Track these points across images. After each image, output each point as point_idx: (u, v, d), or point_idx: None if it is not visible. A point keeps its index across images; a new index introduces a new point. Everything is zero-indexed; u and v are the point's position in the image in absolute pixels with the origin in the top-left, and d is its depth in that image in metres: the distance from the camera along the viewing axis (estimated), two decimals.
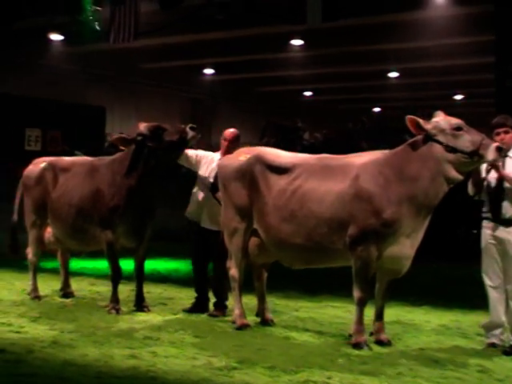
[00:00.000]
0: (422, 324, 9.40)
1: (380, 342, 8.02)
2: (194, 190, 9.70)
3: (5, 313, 9.33)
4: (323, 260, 8.31)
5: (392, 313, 9.68)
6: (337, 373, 6.80)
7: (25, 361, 7.00)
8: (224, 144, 9.60)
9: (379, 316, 8.17)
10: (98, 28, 19.90)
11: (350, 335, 8.03)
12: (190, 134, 9.25)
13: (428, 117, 8.06)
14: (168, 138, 9.24)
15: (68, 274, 10.77)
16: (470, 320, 9.64)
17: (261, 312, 9.01)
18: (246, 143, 27.36)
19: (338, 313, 10.03)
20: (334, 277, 11.36)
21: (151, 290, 11.15)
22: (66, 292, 10.65)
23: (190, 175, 10.23)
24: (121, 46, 23.23)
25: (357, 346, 7.78)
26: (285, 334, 8.48)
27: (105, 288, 11.50)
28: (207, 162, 9.61)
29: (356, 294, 7.86)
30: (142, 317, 9.36)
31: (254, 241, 8.63)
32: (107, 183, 9.47)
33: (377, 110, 37.47)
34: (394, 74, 30.57)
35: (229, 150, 9.49)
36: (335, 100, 36.32)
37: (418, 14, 21.51)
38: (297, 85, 32.76)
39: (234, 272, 8.69)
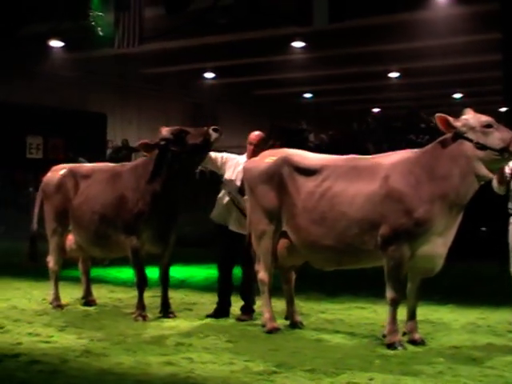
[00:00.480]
0: (451, 322, 9.33)
1: (414, 342, 7.96)
2: (221, 193, 9.61)
3: (30, 322, 9.24)
4: (354, 261, 8.26)
5: (419, 312, 9.58)
6: (377, 374, 6.74)
7: (60, 371, 6.92)
8: (250, 148, 9.52)
9: (412, 315, 8.11)
10: (101, 33, 19.87)
11: (384, 335, 7.96)
12: (214, 135, 9.18)
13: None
14: (191, 141, 9.16)
15: (90, 281, 10.67)
16: (498, 317, 9.60)
17: (290, 315, 8.95)
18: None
19: (365, 314, 9.97)
20: (352, 278, 11.32)
21: (172, 296, 10.97)
22: (88, 300, 10.56)
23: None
24: (121, 51, 23.26)
25: (391, 346, 7.72)
26: (316, 337, 8.41)
27: (125, 295, 11.48)
28: (233, 164, 9.55)
29: (389, 294, 7.80)
30: (169, 323, 9.28)
31: (283, 243, 8.57)
32: (131, 189, 9.39)
33: (376, 110, 37.39)
34: (395, 75, 30.55)
35: (255, 154, 9.42)
36: (336, 101, 36.29)
37: (420, 13, 21.51)
38: (297, 87, 32.81)
39: (262, 275, 8.62)
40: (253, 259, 8.94)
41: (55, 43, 24.78)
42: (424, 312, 9.75)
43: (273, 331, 8.52)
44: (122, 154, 24.73)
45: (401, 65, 29.17)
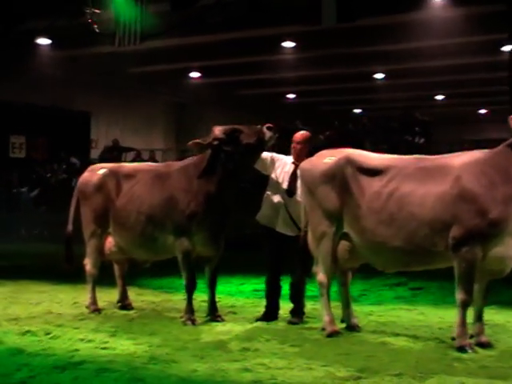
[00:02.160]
0: (505, 324, 9.21)
1: (481, 345, 7.83)
2: (267, 193, 9.40)
3: (76, 328, 8.96)
4: (422, 262, 8.12)
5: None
6: (466, 378, 6.64)
7: (139, 379, 6.69)
8: (297, 147, 9.32)
9: (479, 317, 8.01)
10: (98, 31, 19.55)
11: (453, 338, 7.84)
12: (268, 134, 8.98)
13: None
14: (245, 140, 8.95)
15: (125, 285, 10.38)
16: None
17: (347, 318, 8.79)
18: None
19: (413, 316, 9.85)
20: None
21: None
22: (124, 304, 10.30)
23: None
24: (107, 50, 22.95)
25: (461, 349, 7.60)
26: (380, 340, 8.25)
27: (156, 298, 11.29)
28: (281, 165, 9.36)
29: (460, 296, 7.68)
30: (221, 327, 9.04)
31: (343, 245, 8.40)
32: (182, 189, 9.14)
33: (358, 111, 37.46)
34: (380, 76, 30.57)
35: (301, 153, 9.25)
36: (320, 102, 36.22)
37: (408, 16, 21.47)
38: (283, 87, 32.67)
39: (322, 277, 8.45)
40: (304, 261, 8.76)
41: (42, 41, 24.31)
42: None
43: (333, 334, 8.36)
44: (114, 154, 24.31)
45: (386, 66, 29.14)
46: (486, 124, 37.70)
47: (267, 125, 9.02)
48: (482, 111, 38.79)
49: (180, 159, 22.61)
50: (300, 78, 30.08)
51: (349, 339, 8.28)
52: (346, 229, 8.29)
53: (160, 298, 11.36)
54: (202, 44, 24.97)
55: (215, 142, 9.00)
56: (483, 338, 7.92)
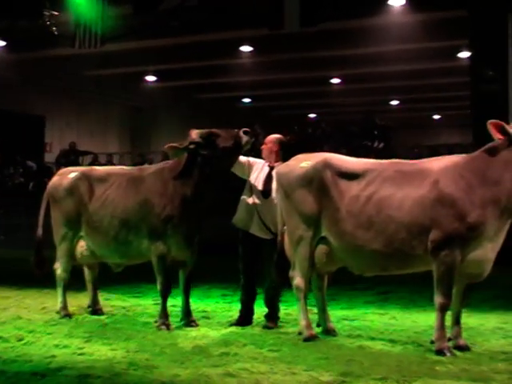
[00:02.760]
0: (478, 327, 9.26)
1: (459, 347, 7.87)
2: (242, 197, 9.37)
3: (49, 333, 8.82)
4: (400, 266, 8.13)
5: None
6: (450, 381, 6.65)
7: None
8: (264, 148, 9.38)
9: (457, 321, 8.04)
10: (56, 33, 19.34)
11: (432, 341, 7.87)
12: (245, 138, 8.95)
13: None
14: (222, 144, 8.92)
15: (97, 289, 10.25)
16: None
17: (323, 322, 8.76)
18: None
19: (385, 320, 9.87)
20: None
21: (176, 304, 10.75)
22: (95, 309, 10.17)
23: None
24: (62, 53, 22.74)
25: (440, 352, 7.62)
26: (357, 344, 8.24)
27: (126, 303, 11.19)
28: (258, 168, 9.33)
29: (438, 299, 7.72)
30: (195, 332, 8.98)
31: (321, 249, 8.38)
32: (157, 193, 9.08)
33: (313, 115, 37.60)
34: (336, 80, 30.71)
35: (269, 154, 9.39)
36: (274, 106, 36.26)
37: (366, 21, 21.59)
38: (238, 91, 32.70)
39: (299, 282, 8.42)
40: (281, 265, 8.74)
41: None
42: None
43: (311, 339, 8.32)
44: (71, 158, 24.04)
45: (343, 71, 29.33)
46: (441, 129, 38.17)
47: (244, 129, 8.99)
48: (437, 116, 39.18)
49: (139, 163, 22.67)
50: (256, 82, 30.14)
51: (326, 343, 8.25)
52: (324, 233, 8.28)
53: (129, 302, 11.26)
54: (159, 47, 24.87)
55: (192, 146, 8.95)
56: (461, 341, 7.97)
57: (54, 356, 7.66)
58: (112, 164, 23.40)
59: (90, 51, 22.45)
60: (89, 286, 10.24)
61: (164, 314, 9.13)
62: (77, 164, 23.43)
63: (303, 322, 8.47)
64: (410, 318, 9.92)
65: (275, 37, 23.85)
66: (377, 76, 29.32)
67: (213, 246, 13.59)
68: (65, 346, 8.11)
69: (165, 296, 9.14)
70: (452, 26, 22.10)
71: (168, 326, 9.03)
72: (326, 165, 8.30)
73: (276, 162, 9.28)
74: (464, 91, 30.49)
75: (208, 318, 9.92)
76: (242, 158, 9.39)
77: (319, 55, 26.52)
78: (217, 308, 10.70)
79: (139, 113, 32.48)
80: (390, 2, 20.13)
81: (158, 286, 9.15)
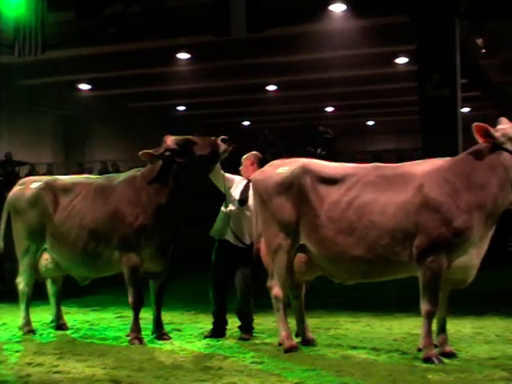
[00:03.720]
0: (457, 333, 9.16)
1: (445, 355, 7.74)
2: (221, 209, 9.13)
3: (17, 351, 8.48)
4: (383, 272, 7.96)
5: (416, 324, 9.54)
6: None
7: None
8: (248, 164, 9.17)
9: (442, 328, 7.93)
10: None
11: (419, 349, 7.73)
12: (223, 146, 8.69)
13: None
14: (199, 151, 8.65)
15: (60, 304, 9.87)
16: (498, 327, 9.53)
17: (301, 332, 8.56)
18: (121, 160, 26.62)
19: (360, 328, 9.76)
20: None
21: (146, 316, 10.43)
22: (59, 324, 9.80)
23: None
24: None
25: (428, 360, 7.48)
26: (340, 354, 8.06)
27: (88, 317, 10.88)
28: (236, 182, 9.11)
29: (425, 306, 7.57)
30: (170, 345, 8.69)
31: (300, 257, 8.18)
32: (128, 202, 8.75)
33: (247, 123, 37.46)
34: (272, 88, 30.62)
35: (246, 170, 9.23)
36: (208, 115, 36.00)
37: (303, 27, 21.47)
38: (173, 99, 32.36)
39: (277, 291, 8.19)
40: (256, 274, 8.55)
41: None
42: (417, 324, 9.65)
43: (292, 350, 8.10)
44: (7, 169, 23.33)
45: (280, 78, 29.19)
46: (375, 136, 38.38)
47: (222, 137, 8.73)
48: (371, 123, 39.42)
49: (77, 173, 22.17)
50: (192, 90, 29.76)
51: (309, 354, 8.05)
52: (303, 240, 8.07)
53: (91, 316, 10.92)
54: (94, 55, 24.37)
55: (167, 153, 8.66)
56: (447, 348, 7.86)
57: (28, 375, 7.29)
58: (51, 174, 22.78)
59: (22, 60, 21.94)
60: (52, 300, 9.86)
61: (136, 328, 8.81)
62: (14, 175, 22.79)
63: (283, 333, 8.24)
64: (383, 326, 9.81)
65: (213, 44, 23.67)
66: (313, 83, 29.27)
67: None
68: (38, 365, 7.73)
69: (137, 309, 8.81)
70: (390, 32, 22.21)
71: (141, 340, 8.72)
72: (305, 170, 8.10)
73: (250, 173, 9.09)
74: (400, 97, 31.02)
75: (179, 330, 9.63)
76: (225, 174, 9.13)
77: (256, 62, 26.29)
78: (184, 320, 10.41)
79: (73, 122, 31.82)
80: (331, 8, 20.00)
81: (130, 299, 8.82)
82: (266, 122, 35.07)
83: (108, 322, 10.41)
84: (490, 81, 27.15)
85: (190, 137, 8.86)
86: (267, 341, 8.84)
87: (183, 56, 25.49)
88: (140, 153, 8.75)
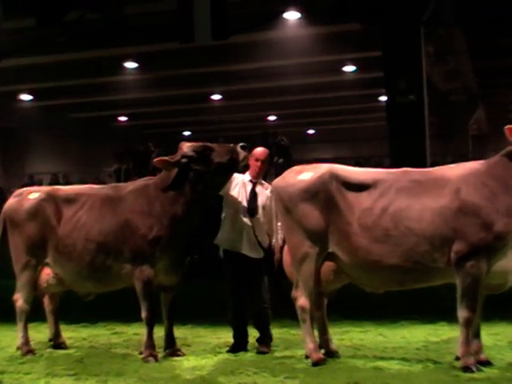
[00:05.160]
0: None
1: (481, 363, 7.51)
2: (225, 214, 8.74)
3: (25, 373, 7.94)
4: (419, 280, 7.71)
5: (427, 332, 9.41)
6: None
7: None
8: (256, 164, 8.71)
9: (476, 334, 7.68)
10: None
11: (458, 358, 7.48)
12: (242, 154, 8.33)
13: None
14: (217, 159, 8.25)
15: (58, 322, 9.34)
16: None
17: (324, 343, 8.23)
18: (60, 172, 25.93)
19: (373, 337, 9.54)
20: None
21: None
22: (58, 342, 9.28)
23: None
24: None
25: (467, 368, 7.27)
26: (370, 365, 7.75)
27: (81, 334, 10.38)
28: (238, 183, 8.71)
29: (463, 313, 7.34)
30: (187, 362, 8.27)
31: (328, 266, 7.86)
32: (141, 212, 8.32)
33: (187, 133, 37.06)
34: (216, 97, 30.34)
35: (261, 171, 8.72)
36: (148, 125, 35.50)
37: (250, 36, 21.24)
38: (114, 110, 31.81)
39: (303, 302, 7.86)
40: (277, 284, 8.24)
41: None
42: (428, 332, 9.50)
43: (320, 363, 7.78)
44: None
45: (225, 87, 28.95)
46: (315, 144, 38.31)
47: (241, 144, 8.36)
48: (311, 131, 39.39)
49: (27, 184, 21.44)
50: (136, 100, 29.27)
51: (339, 367, 7.73)
52: (333, 248, 7.76)
53: (85, 333, 10.39)
54: (36, 65, 23.74)
55: (184, 160, 8.25)
56: (482, 356, 7.63)
57: None
58: None
59: None
60: (50, 317, 9.32)
61: (150, 344, 8.35)
62: None
63: (310, 346, 7.91)
64: (395, 335, 9.57)
65: (160, 53, 23.37)
66: (258, 91, 29.09)
67: None
68: None
69: (151, 324, 8.35)
70: (340, 40, 22.19)
71: (156, 358, 8.28)
72: (332, 176, 7.80)
73: (259, 177, 8.74)
74: (345, 105, 31.07)
75: (189, 345, 9.18)
76: None
77: (202, 71, 26.03)
78: (188, 334, 9.96)
79: (12, 133, 30.89)
80: (285, 16, 19.84)
81: (143, 314, 8.35)
82: (208, 132, 34.68)
83: (106, 338, 9.94)
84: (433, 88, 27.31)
85: (208, 143, 8.46)
86: (287, 353, 8.49)
87: (130, 65, 25.02)
88: (155, 160, 8.37)
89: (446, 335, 9.35)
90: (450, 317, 9.69)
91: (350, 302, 11.12)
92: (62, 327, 9.95)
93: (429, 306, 10.86)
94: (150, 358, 8.24)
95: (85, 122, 32.95)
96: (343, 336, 9.47)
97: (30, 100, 29.02)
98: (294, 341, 9.16)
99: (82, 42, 20.87)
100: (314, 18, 19.98)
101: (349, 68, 26.43)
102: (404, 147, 16.36)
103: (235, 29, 17.46)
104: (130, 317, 10.84)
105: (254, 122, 34.03)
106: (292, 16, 19.99)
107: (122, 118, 34.35)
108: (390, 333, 9.67)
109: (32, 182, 23.12)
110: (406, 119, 16.56)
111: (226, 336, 9.54)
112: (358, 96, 30.28)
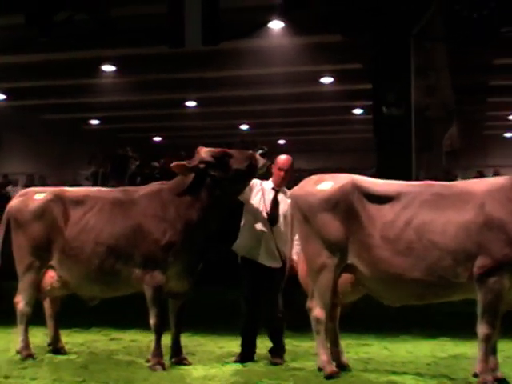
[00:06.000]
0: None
1: (498, 381, 7.41)
2: (244, 221, 8.59)
3: (31, 379, 7.72)
4: (440, 295, 7.62)
5: (431, 347, 9.33)
6: None
7: None
8: (279, 174, 8.57)
9: (493, 351, 7.55)
10: None
11: (476, 374, 7.39)
12: (261, 161, 8.20)
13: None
14: (236, 165, 8.11)
15: (58, 326, 9.10)
16: None
17: (336, 356, 8.09)
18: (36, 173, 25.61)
19: (377, 350, 9.41)
20: None
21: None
22: (56, 347, 9.04)
23: None
24: None
25: None
26: (385, 379, 7.66)
27: (77, 339, 10.12)
28: (259, 190, 8.56)
29: (483, 329, 7.25)
30: (195, 371, 8.09)
31: (346, 278, 7.74)
32: (154, 217, 8.14)
33: (158, 139, 36.79)
34: (191, 104, 30.17)
35: (284, 180, 8.58)
36: (122, 129, 35.17)
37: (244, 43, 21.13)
38: (87, 112, 31.46)
39: (318, 313, 7.73)
40: (289, 294, 8.11)
41: None
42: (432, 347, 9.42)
43: (333, 375, 7.64)
44: None
45: (199, 94, 28.77)
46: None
47: (260, 151, 8.23)
48: (282, 141, 39.26)
49: (2, 184, 21.07)
50: (111, 103, 28.91)
51: (352, 380, 7.62)
52: (352, 260, 7.64)
53: (80, 338, 10.14)
54: (13, 64, 23.33)
55: (202, 165, 8.09)
56: (499, 373, 7.51)
57: None
58: None
59: None
60: (49, 321, 9.06)
61: (158, 352, 8.16)
62: None
63: (324, 358, 7.77)
64: (399, 348, 9.47)
65: (139, 57, 23.13)
66: (232, 100, 28.96)
67: None
68: None
69: (159, 331, 8.16)
70: (319, 51, 22.11)
71: (163, 366, 8.09)
72: (355, 187, 7.69)
73: (282, 186, 8.60)
74: (319, 116, 31.03)
75: (193, 354, 8.97)
76: None
77: (179, 77, 25.85)
78: (185, 342, 9.67)
79: None
80: (270, 25, 19.73)
81: (152, 320, 8.15)
82: (181, 138, 34.53)
83: (104, 344, 9.71)
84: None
85: (226, 149, 8.33)
86: (296, 365, 8.35)
87: (108, 68, 24.75)
88: (172, 165, 8.18)
89: (451, 351, 9.28)
90: (451, 332, 9.80)
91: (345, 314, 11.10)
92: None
93: (427, 320, 10.86)
94: (158, 366, 8.05)
95: (58, 123, 32.49)
96: (348, 349, 9.21)
97: (4, 99, 28.49)
98: (299, 352, 9.08)
99: (63, 43, 20.51)
100: (297, 28, 19.88)
101: (326, 79, 26.34)
102: (391, 160, 16.29)
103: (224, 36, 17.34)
104: (125, 322, 10.79)
105: (226, 130, 33.86)
106: (275, 25, 19.84)
107: (96, 121, 33.95)
108: (394, 347, 9.56)
109: (8, 182, 22.76)
110: (394, 132, 16.47)
111: (228, 345, 9.47)
112: (333, 108, 30.26)
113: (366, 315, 11.18)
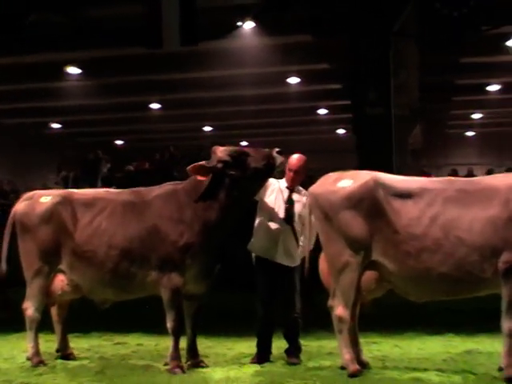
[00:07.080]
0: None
1: None
2: (259, 220, 8.49)
3: None
4: (466, 290, 7.63)
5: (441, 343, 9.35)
6: None
7: None
8: (289, 174, 8.52)
9: None
10: None
11: (501, 368, 7.39)
12: (279, 160, 8.10)
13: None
14: (253, 164, 8.00)
15: (66, 331, 8.91)
16: None
17: (355, 354, 8.01)
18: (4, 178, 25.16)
19: (389, 348, 9.38)
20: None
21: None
22: (66, 353, 8.85)
23: None
24: None
25: (510, 380, 7.16)
26: (407, 376, 7.58)
27: (80, 344, 9.90)
28: (274, 190, 8.48)
29: (509, 324, 7.25)
30: (215, 374, 7.91)
31: (370, 275, 7.69)
32: (170, 218, 8.00)
33: (120, 142, 36.47)
34: (155, 106, 29.93)
35: (295, 182, 8.54)
36: (82, 133, 34.79)
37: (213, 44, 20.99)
38: (46, 116, 31.02)
39: (341, 311, 7.66)
40: (307, 293, 8.05)
41: None
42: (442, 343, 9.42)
43: (357, 374, 7.59)
44: None
45: (163, 96, 28.55)
46: None
47: (277, 149, 8.12)
48: (244, 143, 39.15)
49: None
50: (71, 107, 28.56)
51: (379, 378, 7.55)
52: (377, 257, 7.59)
53: (83, 343, 9.92)
54: None
55: (220, 165, 7.96)
56: None
57: None
58: None
59: None
60: (57, 327, 8.86)
61: (176, 355, 8.02)
62: None
63: (347, 356, 7.71)
64: (410, 345, 9.47)
65: (103, 60, 22.89)
66: (196, 101, 28.76)
67: None
68: None
69: (177, 334, 8.02)
70: (286, 51, 22.09)
71: (183, 369, 7.96)
72: (378, 183, 7.64)
73: (295, 185, 8.51)
74: (283, 117, 30.99)
75: (207, 356, 8.82)
76: None
77: (143, 79, 25.60)
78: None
79: None
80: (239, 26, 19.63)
81: (169, 324, 8.01)
82: (143, 141, 34.29)
83: (111, 349, 9.53)
84: None
85: (243, 148, 8.22)
86: (314, 364, 8.28)
87: (73, 71, 24.43)
88: (189, 167, 8.02)
89: (462, 347, 9.27)
90: (455, 329, 9.81)
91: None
92: (52, 337, 9.46)
93: (429, 318, 10.86)
94: (177, 370, 7.91)
95: (18, 128, 32.01)
96: (369, 347, 9.27)
97: None
98: (311, 351, 9.01)
99: (30, 45, 20.23)
100: (266, 29, 19.85)
101: (292, 80, 26.29)
102: (371, 159, 16.28)
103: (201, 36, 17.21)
104: (124, 326, 10.65)
105: (189, 132, 33.70)
106: (246, 26, 19.76)
107: (56, 126, 33.49)
108: (405, 344, 9.54)
109: None
110: (373, 132, 16.49)
111: (236, 347, 9.44)
112: (297, 109, 30.26)
113: (366, 314, 11.16)
